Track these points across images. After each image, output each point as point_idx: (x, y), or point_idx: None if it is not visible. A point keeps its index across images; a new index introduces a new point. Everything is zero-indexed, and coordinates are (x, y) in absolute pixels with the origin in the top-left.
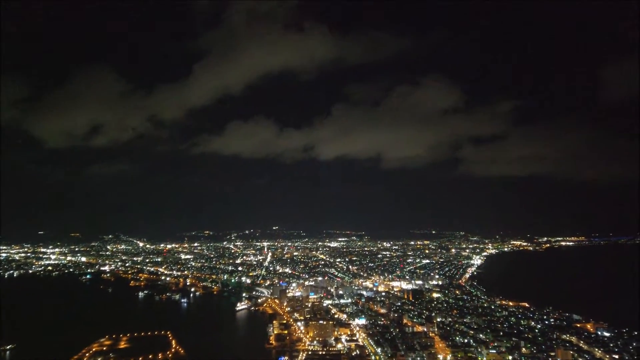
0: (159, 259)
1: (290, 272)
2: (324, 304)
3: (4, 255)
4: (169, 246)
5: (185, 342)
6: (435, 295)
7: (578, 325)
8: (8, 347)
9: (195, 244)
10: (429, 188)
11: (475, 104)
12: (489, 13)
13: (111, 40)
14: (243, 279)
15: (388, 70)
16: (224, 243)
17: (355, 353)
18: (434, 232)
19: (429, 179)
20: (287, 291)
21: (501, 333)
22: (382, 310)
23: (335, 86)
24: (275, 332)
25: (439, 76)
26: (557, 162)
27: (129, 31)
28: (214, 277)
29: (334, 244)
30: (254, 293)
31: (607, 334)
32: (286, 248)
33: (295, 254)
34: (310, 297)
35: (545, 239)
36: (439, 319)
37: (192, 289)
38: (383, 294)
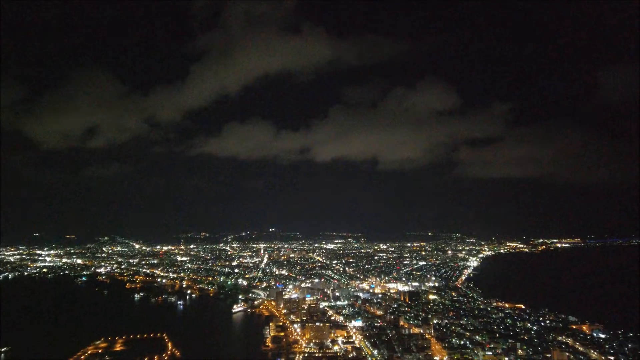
0: (155, 261)
1: (286, 274)
2: (321, 306)
3: None
4: (165, 248)
5: (181, 344)
6: (431, 297)
7: (574, 326)
8: (3, 349)
9: (192, 246)
10: (425, 190)
11: (471, 106)
12: (485, 16)
13: (108, 42)
14: (239, 281)
15: (385, 73)
16: (221, 245)
17: (351, 355)
18: (430, 233)
19: (425, 181)
20: (284, 293)
21: (497, 335)
22: (379, 312)
23: (332, 88)
24: (272, 334)
25: (435, 78)
26: (552, 164)
27: (126, 32)
28: (210, 279)
29: (330, 246)
30: (250, 295)
31: (602, 336)
32: (283, 250)
33: (291, 255)
34: (306, 299)
35: (541, 240)
36: (435, 321)
37: (188, 291)
38: (379, 295)
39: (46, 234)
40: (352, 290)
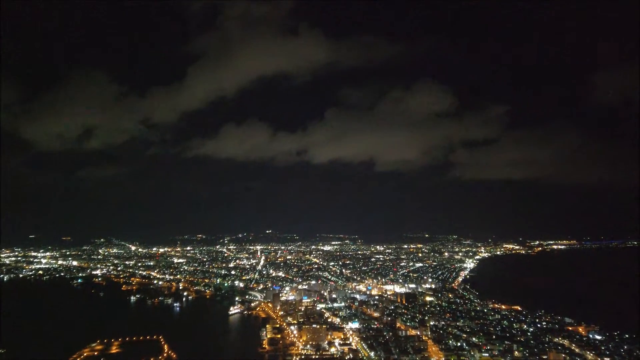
0: (152, 263)
1: (283, 275)
2: (318, 308)
3: None
4: (161, 250)
5: (178, 346)
6: (428, 298)
7: (570, 328)
8: None
9: (188, 248)
10: (421, 192)
11: (468, 108)
12: (482, 18)
13: (105, 43)
14: (236, 282)
15: (381, 75)
16: (217, 247)
17: (348, 357)
18: (427, 235)
19: (421, 183)
20: (281, 295)
21: (494, 336)
22: (376, 314)
23: (329, 90)
24: (269, 336)
25: (431, 80)
26: (549, 166)
27: (123, 33)
28: (206, 281)
29: (327, 248)
30: (247, 297)
31: (598, 337)
32: (279, 252)
33: (288, 257)
34: (303, 300)
35: (537, 242)
36: (432, 323)
37: (185, 293)
38: (376, 297)
39: (42, 236)
40: (349, 292)
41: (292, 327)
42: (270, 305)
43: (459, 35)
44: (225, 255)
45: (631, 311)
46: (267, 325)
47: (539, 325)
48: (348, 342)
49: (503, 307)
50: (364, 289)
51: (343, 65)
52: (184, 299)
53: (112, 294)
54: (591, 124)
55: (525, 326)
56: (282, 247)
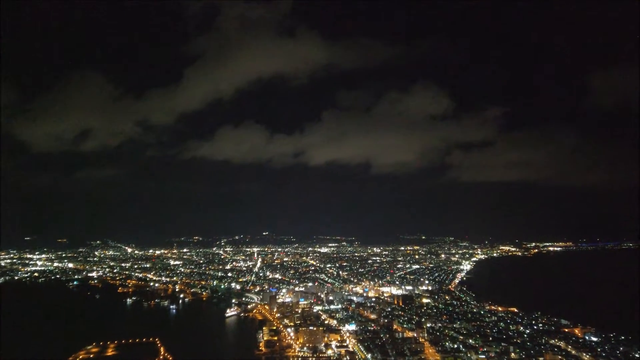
0: (148, 265)
1: (280, 277)
2: (314, 310)
3: None
4: (157, 252)
5: (174, 349)
6: (425, 300)
7: (566, 330)
8: None
9: (185, 250)
10: (418, 194)
11: (465, 110)
12: (479, 20)
13: (101, 44)
14: (233, 285)
15: (378, 77)
16: (214, 249)
17: (345, 359)
18: (423, 237)
19: (418, 185)
20: (277, 297)
21: (490, 338)
22: (372, 316)
23: (326, 92)
24: (265, 338)
25: (428, 83)
26: (545, 167)
27: (120, 35)
28: (203, 283)
29: (324, 250)
30: (243, 299)
31: (594, 339)
32: (276, 254)
33: (285, 259)
34: (300, 303)
35: (534, 244)
36: (428, 325)
37: (181, 295)
38: (373, 299)
39: (37, 238)
40: (346, 294)
41: (288, 329)
42: (267, 307)
43: (456, 37)
44: (222, 257)
45: (627, 313)
46: (263, 328)
47: (535, 327)
48: (345, 344)
49: (499, 308)
50: (360, 291)
51: (340, 67)
52: (180, 301)
53: (108, 296)
54: (587, 126)
55: (521, 328)
56: (279, 249)
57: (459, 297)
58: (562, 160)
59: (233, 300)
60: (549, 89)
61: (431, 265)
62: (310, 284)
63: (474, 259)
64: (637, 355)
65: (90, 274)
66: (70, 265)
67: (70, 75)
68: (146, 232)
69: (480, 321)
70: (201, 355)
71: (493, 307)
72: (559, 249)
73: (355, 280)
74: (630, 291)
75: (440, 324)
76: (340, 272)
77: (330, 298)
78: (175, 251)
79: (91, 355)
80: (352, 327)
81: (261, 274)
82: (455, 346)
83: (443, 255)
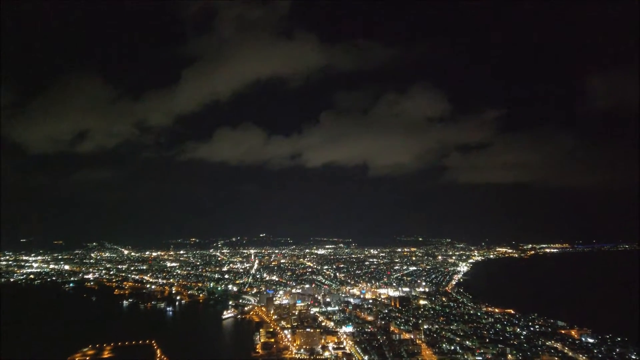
0: (144, 267)
1: (277, 279)
2: (311, 312)
3: None
4: (154, 254)
5: (171, 351)
6: (422, 302)
7: (562, 331)
8: None
9: (181, 252)
10: (415, 195)
11: (462, 112)
12: (476, 23)
13: (99, 46)
14: (229, 286)
15: (376, 79)
16: (211, 250)
17: None
18: (420, 239)
19: (415, 187)
20: (274, 299)
21: (487, 340)
22: (370, 318)
23: (324, 94)
24: (262, 340)
25: (425, 85)
26: (541, 169)
27: (117, 36)
28: (200, 285)
29: (321, 251)
30: (240, 301)
31: (591, 340)
32: (273, 255)
33: (282, 261)
34: (297, 304)
35: (530, 245)
36: (425, 326)
37: (178, 297)
38: (370, 301)
39: (34, 240)
40: (343, 295)
41: (285, 331)
42: (263, 309)
43: (454, 40)
44: (219, 259)
45: (624, 314)
46: (260, 330)
47: (532, 329)
48: (342, 346)
49: (496, 310)
50: (357, 293)
51: (338, 69)
52: (177, 303)
53: (105, 298)
54: (584, 128)
55: (518, 329)
56: (276, 251)
57: (456, 299)
58: (559, 162)
59: (230, 302)
60: (545, 91)
61: (428, 267)
62: (307, 286)
63: (470, 260)
64: (633, 357)
65: (86, 276)
66: (67, 267)
67: (68, 76)
68: (143, 234)
69: (477, 323)
70: (198, 358)
71: (490, 309)
72: (555, 250)
73: (353, 282)
74: (626, 292)
75: (437, 326)
76: (338, 274)
77: (328, 300)
78: (172, 253)
79: (87, 358)
80: (349, 328)
81: (258, 276)
82: (452, 348)
83: (440, 257)
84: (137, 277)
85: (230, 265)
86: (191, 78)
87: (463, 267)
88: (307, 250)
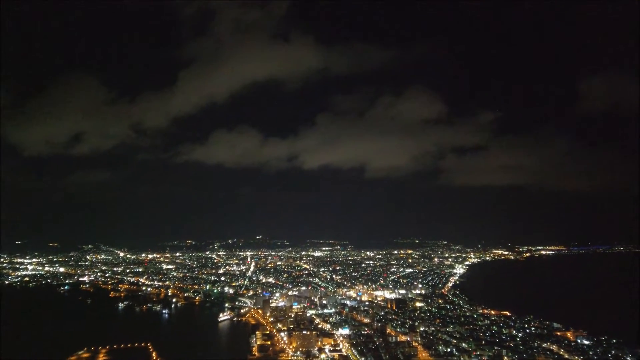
0: (140, 269)
1: (273, 281)
2: (308, 314)
3: None
4: (150, 256)
5: (166, 354)
6: (418, 304)
7: (558, 333)
8: None
9: (177, 254)
10: (412, 198)
11: (458, 115)
12: (472, 25)
13: (95, 47)
14: (226, 289)
15: (372, 81)
16: (207, 253)
17: None
18: (417, 241)
19: (412, 189)
20: (271, 301)
21: (483, 342)
22: (366, 320)
23: (320, 96)
24: (258, 342)
25: (422, 87)
26: (537, 172)
27: (114, 38)
28: (196, 287)
29: (317, 254)
30: (236, 303)
31: (586, 342)
32: (270, 257)
33: (278, 263)
34: (293, 307)
35: (526, 248)
36: (422, 328)
37: (174, 300)
38: (367, 303)
39: (29, 242)
40: (339, 298)
41: (282, 334)
42: (260, 311)
43: (450, 42)
44: (215, 261)
45: (619, 316)
46: (256, 332)
47: (527, 331)
48: (338, 348)
49: (492, 312)
50: (354, 295)
51: (334, 72)
52: (172, 305)
53: (100, 300)
54: (579, 130)
55: (514, 331)
56: (272, 253)
57: (452, 301)
58: (555, 165)
59: (226, 305)
60: (541, 94)
61: (424, 269)
62: (303, 288)
63: (467, 262)
64: (628, 359)
65: (81, 279)
66: (62, 269)
67: (63, 77)
68: (138, 236)
69: (473, 325)
70: None
71: (486, 311)
72: (550, 252)
73: (349, 284)
74: (622, 294)
75: (433, 328)
76: (334, 276)
77: (324, 302)
78: (167, 255)
79: None
80: (345, 331)
81: (254, 278)
82: (449, 350)
83: (436, 259)
84: (132, 280)
85: (227, 267)
86: (188, 80)
87: (459, 269)
88: (303, 253)
